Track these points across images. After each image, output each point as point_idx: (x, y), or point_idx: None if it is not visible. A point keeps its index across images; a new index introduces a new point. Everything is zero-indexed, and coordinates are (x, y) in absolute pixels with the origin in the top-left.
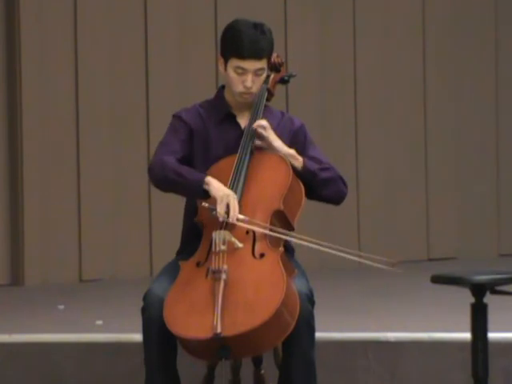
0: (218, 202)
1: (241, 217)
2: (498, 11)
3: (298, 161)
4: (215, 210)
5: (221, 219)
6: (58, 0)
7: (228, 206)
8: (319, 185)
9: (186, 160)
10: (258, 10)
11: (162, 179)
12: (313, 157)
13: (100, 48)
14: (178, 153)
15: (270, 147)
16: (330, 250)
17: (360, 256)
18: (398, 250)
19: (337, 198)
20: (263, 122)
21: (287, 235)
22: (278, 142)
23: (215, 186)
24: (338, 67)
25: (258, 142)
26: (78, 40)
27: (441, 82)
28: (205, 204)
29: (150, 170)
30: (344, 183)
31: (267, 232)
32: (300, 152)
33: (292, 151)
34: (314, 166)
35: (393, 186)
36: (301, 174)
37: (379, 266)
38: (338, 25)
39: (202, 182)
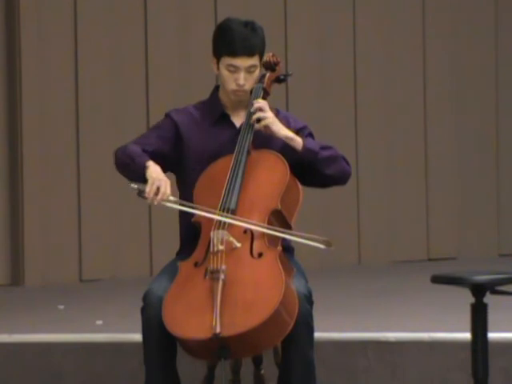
0: (149, 183)
1: (172, 198)
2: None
3: (298, 142)
4: (144, 191)
5: (149, 201)
6: None
7: (158, 189)
8: (321, 163)
9: (159, 155)
10: (257, 9)
11: (118, 162)
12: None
13: (100, 48)
14: (150, 146)
15: (268, 130)
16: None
17: (296, 235)
18: (398, 250)
19: (341, 177)
20: (261, 104)
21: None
22: (277, 125)
23: (152, 169)
24: (338, 67)
25: (257, 126)
26: (78, 40)
27: (441, 82)
28: (134, 185)
29: (114, 154)
30: (347, 162)
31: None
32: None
33: (291, 133)
34: (314, 145)
35: (393, 186)
36: (302, 154)
37: (316, 245)
38: (338, 25)
39: (144, 165)
